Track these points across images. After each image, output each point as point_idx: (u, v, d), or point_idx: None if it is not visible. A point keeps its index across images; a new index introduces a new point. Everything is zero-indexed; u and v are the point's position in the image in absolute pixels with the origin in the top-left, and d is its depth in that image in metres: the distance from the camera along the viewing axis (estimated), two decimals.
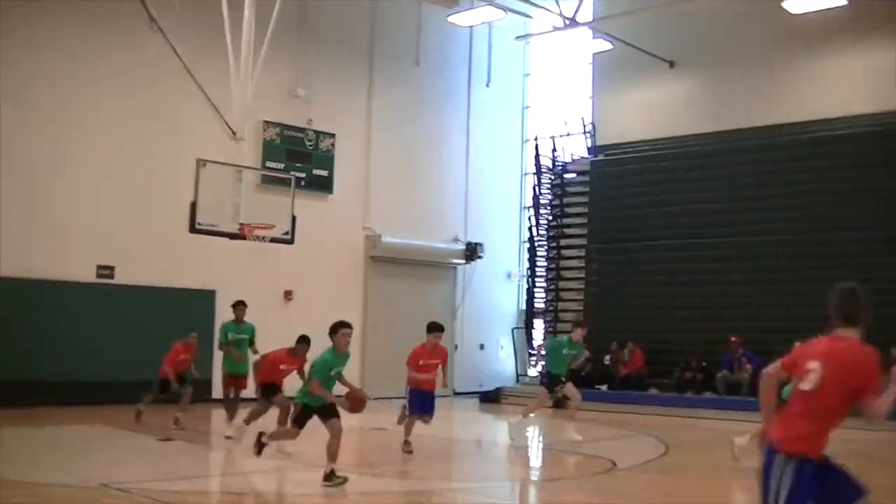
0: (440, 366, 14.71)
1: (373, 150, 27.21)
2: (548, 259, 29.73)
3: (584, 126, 29.95)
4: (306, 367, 13.54)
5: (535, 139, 30.66)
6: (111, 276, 21.89)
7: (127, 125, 22.19)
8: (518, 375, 29.37)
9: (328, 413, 11.30)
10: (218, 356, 17.65)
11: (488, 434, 19.99)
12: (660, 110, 28.61)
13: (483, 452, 17.43)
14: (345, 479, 11.03)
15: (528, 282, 29.88)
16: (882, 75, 24.57)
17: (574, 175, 29.84)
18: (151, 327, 21.31)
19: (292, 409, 12.10)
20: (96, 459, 13.71)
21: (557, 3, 25.40)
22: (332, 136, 26.01)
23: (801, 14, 23.49)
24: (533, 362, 29.36)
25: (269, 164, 24.18)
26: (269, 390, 14.71)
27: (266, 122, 24.42)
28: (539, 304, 29.44)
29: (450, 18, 26.11)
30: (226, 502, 11.47)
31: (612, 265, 28.02)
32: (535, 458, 16.86)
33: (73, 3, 21.35)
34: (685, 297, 25.39)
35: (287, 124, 25.05)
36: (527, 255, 30.16)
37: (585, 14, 27.85)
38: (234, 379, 16.39)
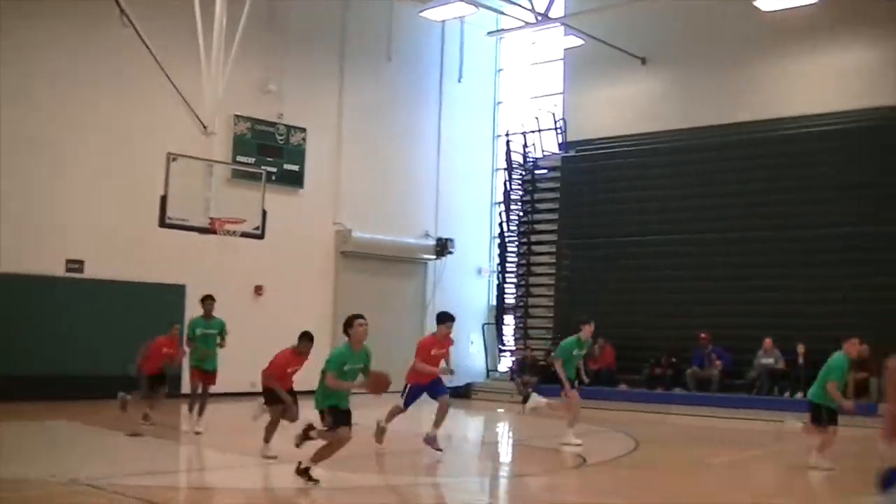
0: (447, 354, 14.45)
1: (344, 144, 27.19)
2: (518, 255, 29.74)
3: (556, 122, 30.00)
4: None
5: (507, 135, 30.68)
6: (80, 271, 21.77)
7: (96, 119, 22.07)
8: (488, 371, 29.39)
9: (343, 419, 10.95)
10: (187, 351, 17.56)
11: (459, 430, 20.00)
12: (631, 107, 28.66)
13: (454, 448, 17.40)
14: (316, 482, 10.92)
15: (498, 277, 29.90)
16: (853, 73, 24.77)
17: (545, 171, 29.85)
18: (121, 322, 21.26)
19: (325, 417, 11.16)
20: (66, 455, 13.63)
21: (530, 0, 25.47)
22: (303, 130, 25.98)
23: (772, 12, 23.62)
24: (503, 358, 29.38)
25: (239, 158, 24.14)
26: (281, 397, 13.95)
27: (237, 116, 24.35)
28: (509, 299, 29.47)
29: (422, 13, 26.11)
30: (195, 497, 11.43)
31: (582, 261, 28.05)
32: (506, 454, 16.90)
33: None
34: (656, 294, 25.47)
35: (258, 119, 24.99)
36: (497, 251, 30.16)
37: (557, 10, 27.94)
38: (203, 374, 16.28)
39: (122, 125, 22.39)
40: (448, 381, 14.84)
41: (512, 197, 29.94)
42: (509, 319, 29.50)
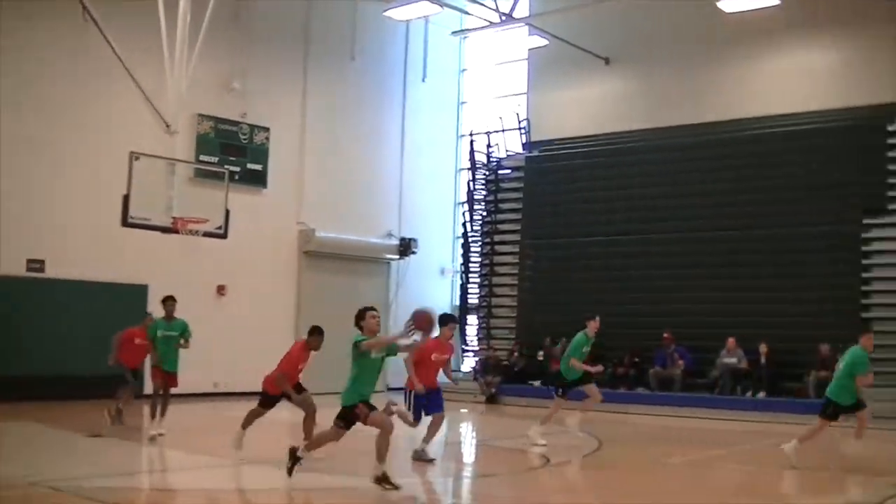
0: (447, 362, 14.19)
1: (308, 144, 27.12)
2: (482, 255, 29.77)
3: (519, 122, 30.06)
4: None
5: (470, 135, 30.71)
6: (41, 270, 21.56)
7: (58, 117, 21.88)
8: (451, 371, 29.30)
9: (370, 409, 10.83)
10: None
11: (421, 429, 19.88)
12: (595, 107, 28.77)
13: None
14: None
15: (461, 277, 29.93)
16: (817, 74, 25.06)
17: (509, 171, 29.88)
18: (82, 322, 21.13)
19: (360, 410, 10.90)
20: (26, 457, 13.48)
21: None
22: (267, 129, 25.88)
23: (735, 13, 23.73)
24: (466, 358, 29.36)
25: (202, 157, 24.03)
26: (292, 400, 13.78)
27: (200, 115, 24.22)
28: (473, 299, 29.48)
29: (386, 13, 26.06)
30: (157, 499, 11.36)
31: (545, 261, 28.11)
32: (469, 454, 16.90)
33: None
34: (618, 294, 25.54)
35: (221, 118, 24.87)
36: (461, 251, 30.19)
37: (521, 10, 27.97)
38: (164, 375, 16.04)
39: (84, 123, 22.20)
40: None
41: (475, 197, 29.95)
42: (472, 320, 29.50)
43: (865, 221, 23.35)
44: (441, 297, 30.77)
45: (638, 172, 26.78)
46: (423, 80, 30.55)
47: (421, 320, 10.75)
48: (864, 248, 23.29)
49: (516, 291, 28.65)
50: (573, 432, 16.24)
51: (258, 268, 25.44)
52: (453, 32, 29.19)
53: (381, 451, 10.76)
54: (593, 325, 16.24)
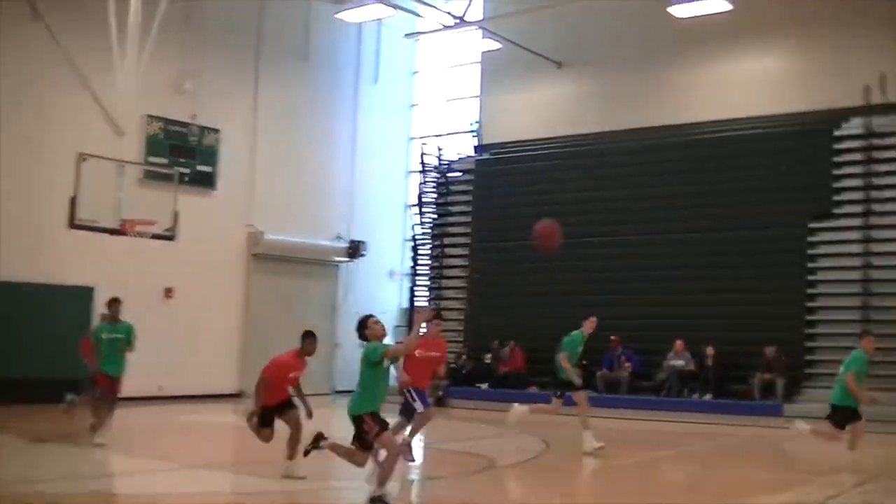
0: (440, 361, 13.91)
1: (258, 146, 26.99)
2: (431, 258, 29.84)
3: (471, 125, 30.14)
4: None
5: (421, 137, 30.74)
6: None
7: (4, 117, 21.57)
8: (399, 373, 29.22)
9: (385, 425, 10.64)
10: None
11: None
12: (547, 110, 28.92)
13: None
14: None
15: (410, 280, 29.97)
16: (766, 80, 25.45)
17: (459, 174, 29.98)
18: (28, 325, 20.84)
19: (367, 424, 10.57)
20: None
21: (447, 2, 25.51)
22: (218, 131, 25.76)
23: (686, 18, 23.94)
24: None
25: (151, 159, 23.82)
26: (278, 410, 12.43)
27: (150, 116, 24.00)
28: (421, 302, 29.48)
29: (338, 15, 26.01)
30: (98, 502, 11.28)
31: (494, 264, 28.16)
32: (415, 457, 16.92)
33: None
34: (566, 296, 25.58)
35: (171, 119, 24.68)
36: (410, 254, 30.23)
37: (476, 14, 28.06)
38: (108, 380, 15.50)
39: (31, 124, 21.88)
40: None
41: (425, 200, 30.02)
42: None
43: (811, 225, 23.70)
44: (390, 300, 30.75)
45: (587, 175, 26.97)
46: (376, 82, 30.55)
47: (545, 233, 10.28)
48: (809, 252, 23.64)
49: (465, 294, 28.73)
50: (511, 427, 15.99)
51: (206, 270, 25.27)
52: (406, 35, 29.23)
53: (384, 475, 10.41)
54: (590, 324, 15.92)
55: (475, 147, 30.15)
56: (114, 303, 15.76)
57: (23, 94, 21.72)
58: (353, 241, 28.85)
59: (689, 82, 26.47)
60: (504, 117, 29.63)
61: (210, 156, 25.62)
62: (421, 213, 29.96)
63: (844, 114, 23.87)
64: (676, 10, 23.44)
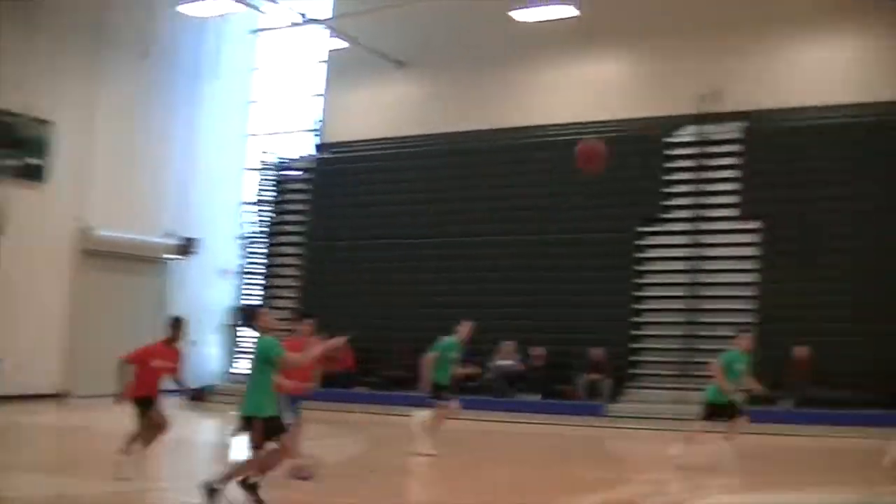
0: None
1: (93, 139, 26.17)
2: (266, 256, 29.78)
3: (312, 124, 30.19)
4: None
5: (260, 135, 30.64)
6: None
7: None
8: (227, 373, 29.01)
9: (279, 429, 10.29)
10: None
11: (191, 433, 19.46)
12: (389, 110, 28.98)
13: (184, 453, 16.92)
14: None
15: (242, 278, 29.87)
16: (602, 85, 26.09)
17: (298, 172, 29.96)
18: None
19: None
20: None
21: None
22: (50, 123, 25.07)
23: (527, 22, 24.36)
24: (240, 360, 29.04)
25: None
26: (147, 403, 12.17)
27: None
28: (254, 301, 29.34)
29: (180, 8, 25.59)
30: None
31: (331, 263, 28.16)
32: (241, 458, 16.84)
33: None
34: (399, 297, 25.82)
35: (1, 109, 23.97)
36: (244, 252, 30.15)
37: (320, 11, 28.10)
38: None
39: None
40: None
41: (261, 198, 29.90)
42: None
43: (641, 229, 24.39)
44: (222, 298, 30.44)
45: (427, 177, 27.19)
46: (217, 78, 30.16)
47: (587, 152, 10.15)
48: (638, 256, 24.33)
49: (297, 293, 28.75)
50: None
51: (32, 266, 24.45)
52: (251, 31, 29.03)
53: (266, 465, 10.29)
54: (464, 329, 15.85)
55: (316, 146, 30.19)
56: None
57: None
58: (184, 238, 28.44)
59: (527, 85, 26.95)
60: (346, 116, 29.59)
61: (41, 148, 24.87)
62: (257, 211, 29.84)
63: (678, 121, 24.61)
64: (518, 15, 23.90)
